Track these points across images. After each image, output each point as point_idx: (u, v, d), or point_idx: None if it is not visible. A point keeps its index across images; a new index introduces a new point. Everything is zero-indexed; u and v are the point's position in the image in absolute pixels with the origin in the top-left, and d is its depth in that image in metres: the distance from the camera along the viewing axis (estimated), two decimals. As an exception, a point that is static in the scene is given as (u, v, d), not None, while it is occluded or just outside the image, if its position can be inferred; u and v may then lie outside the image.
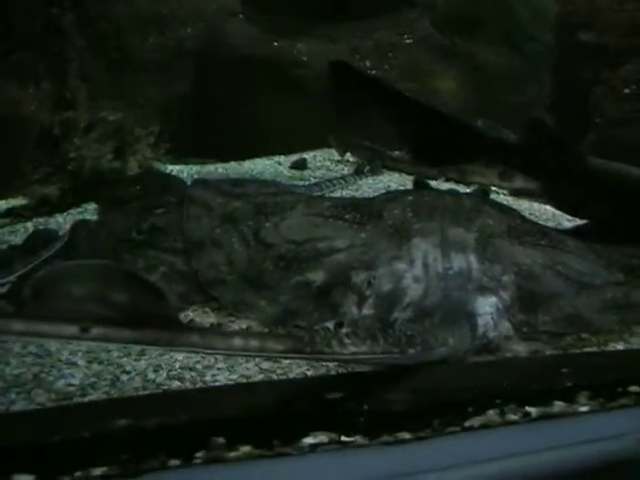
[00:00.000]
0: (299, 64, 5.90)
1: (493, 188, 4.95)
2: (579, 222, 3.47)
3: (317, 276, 2.44)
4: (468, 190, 4.35)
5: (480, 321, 2.17)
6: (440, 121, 2.96)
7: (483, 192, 3.48)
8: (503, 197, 4.72)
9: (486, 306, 2.23)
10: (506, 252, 2.52)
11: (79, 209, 3.92)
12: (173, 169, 5.08)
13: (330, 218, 2.73)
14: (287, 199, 3.01)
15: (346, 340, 1.79)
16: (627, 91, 4.90)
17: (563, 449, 1.65)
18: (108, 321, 1.61)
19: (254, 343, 1.71)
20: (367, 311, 2.27)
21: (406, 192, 3.16)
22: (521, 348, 2.20)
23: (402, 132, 3.08)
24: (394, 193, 3.25)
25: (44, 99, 3.36)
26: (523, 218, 2.94)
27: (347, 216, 2.72)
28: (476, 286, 2.29)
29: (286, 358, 1.95)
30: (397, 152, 5.41)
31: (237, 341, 1.70)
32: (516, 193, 4.79)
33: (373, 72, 5.94)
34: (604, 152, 3.67)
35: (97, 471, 1.44)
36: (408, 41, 6.36)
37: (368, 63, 6.22)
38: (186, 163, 5.38)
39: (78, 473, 1.43)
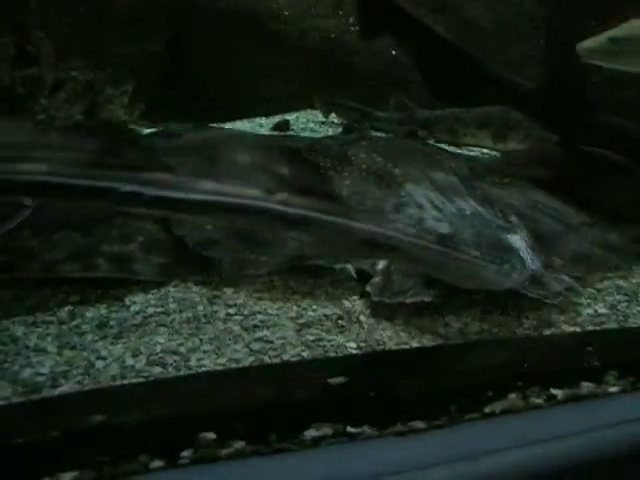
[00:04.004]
0: (280, 19, 5.61)
1: (485, 150, 4.82)
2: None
3: None
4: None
5: (522, 255, 2.04)
6: (461, 58, 2.87)
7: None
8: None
9: (517, 242, 2.10)
10: (493, 193, 2.47)
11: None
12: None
13: None
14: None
15: None
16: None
17: (593, 433, 1.50)
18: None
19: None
20: None
21: (350, 137, 3.11)
22: (558, 286, 2.06)
23: (420, 62, 3.01)
24: (337, 138, 3.15)
25: (4, 53, 3.07)
26: (466, 157, 2.98)
27: (316, 160, 2.52)
28: (497, 226, 2.16)
29: None
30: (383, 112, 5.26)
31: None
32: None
33: (357, 27, 5.68)
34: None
35: (66, 477, 1.25)
36: (393, -6, 6.11)
37: (351, 19, 5.95)
38: (163, 127, 5.12)
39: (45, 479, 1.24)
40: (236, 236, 2.29)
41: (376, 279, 2.09)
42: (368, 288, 2.07)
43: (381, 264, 2.13)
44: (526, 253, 2.08)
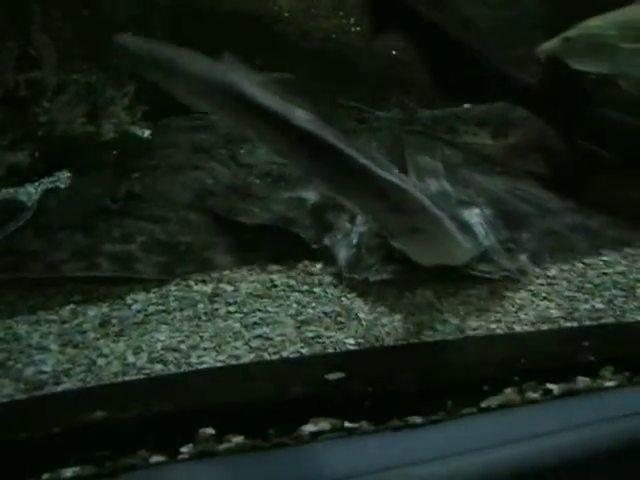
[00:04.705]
0: (281, 21, 5.63)
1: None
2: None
3: (309, 194, 2.40)
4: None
5: (474, 229, 2.17)
6: (468, 55, 2.92)
7: None
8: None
9: (473, 216, 2.23)
10: (472, 178, 2.62)
11: (51, 178, 3.68)
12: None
13: None
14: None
15: None
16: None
17: (589, 428, 1.51)
18: None
19: None
20: (361, 227, 2.23)
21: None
22: (509, 264, 2.13)
23: (426, 58, 3.07)
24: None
25: (7, 56, 3.10)
26: (469, 148, 3.11)
27: None
28: (457, 202, 2.33)
29: None
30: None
31: None
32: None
33: (357, 28, 5.70)
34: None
35: (68, 472, 1.27)
36: (393, -6, 6.10)
37: (352, 20, 5.97)
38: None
39: (46, 475, 1.26)
40: (231, 188, 2.49)
41: (350, 253, 2.16)
42: (342, 263, 2.15)
43: (355, 239, 2.21)
44: (480, 228, 2.19)
